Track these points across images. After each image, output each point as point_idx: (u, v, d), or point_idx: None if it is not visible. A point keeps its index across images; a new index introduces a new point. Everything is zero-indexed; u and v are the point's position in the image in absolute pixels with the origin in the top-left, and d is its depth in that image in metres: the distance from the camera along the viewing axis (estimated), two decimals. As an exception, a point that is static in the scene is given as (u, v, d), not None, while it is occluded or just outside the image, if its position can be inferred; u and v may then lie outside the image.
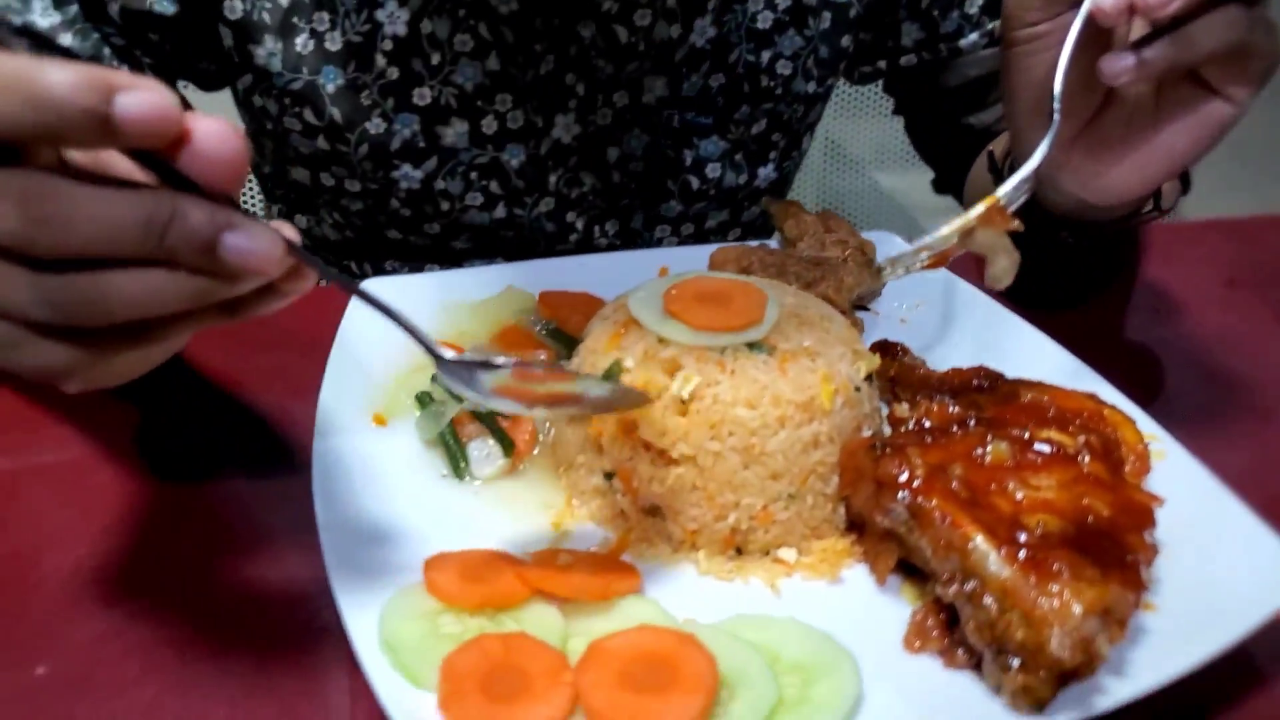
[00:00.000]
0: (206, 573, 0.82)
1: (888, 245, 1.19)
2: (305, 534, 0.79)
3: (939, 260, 0.95)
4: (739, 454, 0.80)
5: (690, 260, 1.13)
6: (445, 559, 0.78)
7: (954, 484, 0.78)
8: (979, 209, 0.92)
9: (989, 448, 0.82)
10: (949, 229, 0.93)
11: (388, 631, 0.73)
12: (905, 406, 0.89)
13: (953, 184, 1.39)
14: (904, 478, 0.78)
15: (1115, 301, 1.30)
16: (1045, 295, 1.15)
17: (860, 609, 0.78)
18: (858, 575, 0.82)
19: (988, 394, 0.91)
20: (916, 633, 0.75)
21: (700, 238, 1.35)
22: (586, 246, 1.28)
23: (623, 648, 0.72)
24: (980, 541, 0.74)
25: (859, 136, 2.60)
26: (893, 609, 0.78)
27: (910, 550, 0.81)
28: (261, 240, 0.51)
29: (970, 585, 0.73)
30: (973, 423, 0.84)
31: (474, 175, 1.14)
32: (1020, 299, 1.10)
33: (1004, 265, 0.92)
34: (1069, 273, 1.22)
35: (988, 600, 0.72)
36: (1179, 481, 0.88)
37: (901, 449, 0.80)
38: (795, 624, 0.77)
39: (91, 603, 0.83)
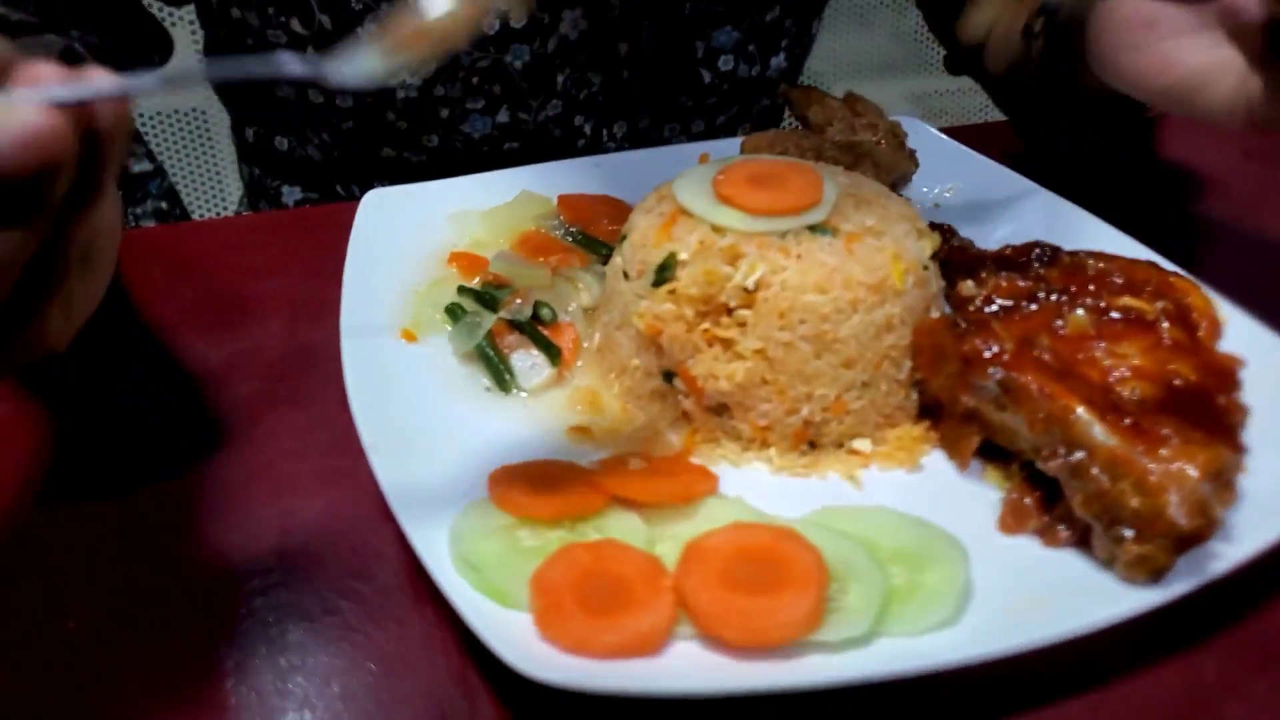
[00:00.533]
0: (250, 515, 0.75)
1: (914, 130, 1.14)
2: (343, 460, 0.73)
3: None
4: (810, 342, 0.76)
5: (713, 153, 1.08)
6: (510, 472, 0.73)
7: (1044, 356, 0.74)
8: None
9: (1068, 319, 0.78)
10: None
11: (465, 550, 0.68)
12: (970, 284, 0.84)
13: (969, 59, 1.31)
14: (992, 353, 0.74)
15: (1137, 180, 1.26)
16: (1076, 172, 1.11)
17: (945, 495, 0.75)
18: (937, 462, 0.79)
19: (1050, 267, 0.87)
20: (1013, 513, 0.72)
21: (710, 135, 1.29)
22: (594, 151, 1.22)
23: (721, 546, 0.68)
24: (1083, 412, 0.70)
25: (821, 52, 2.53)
26: (979, 493, 0.76)
27: (995, 430, 0.77)
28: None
29: (1076, 457, 0.70)
30: (1047, 295, 0.80)
31: (475, 80, 1.07)
32: (1049, 177, 1.06)
33: (986, 14, 0.85)
34: (1097, 145, 1.18)
35: (1095, 471, 0.69)
36: (1246, 345, 0.86)
37: (986, 324, 0.76)
38: (888, 512, 0.74)
39: (147, 549, 0.75)
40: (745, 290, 0.76)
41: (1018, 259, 0.89)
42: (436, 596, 0.66)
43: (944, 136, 1.15)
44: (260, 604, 0.70)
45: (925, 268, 0.81)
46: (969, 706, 0.65)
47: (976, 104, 3.10)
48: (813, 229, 0.79)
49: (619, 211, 1.04)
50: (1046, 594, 0.66)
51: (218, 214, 2.84)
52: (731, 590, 0.65)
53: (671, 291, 0.77)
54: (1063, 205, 1.03)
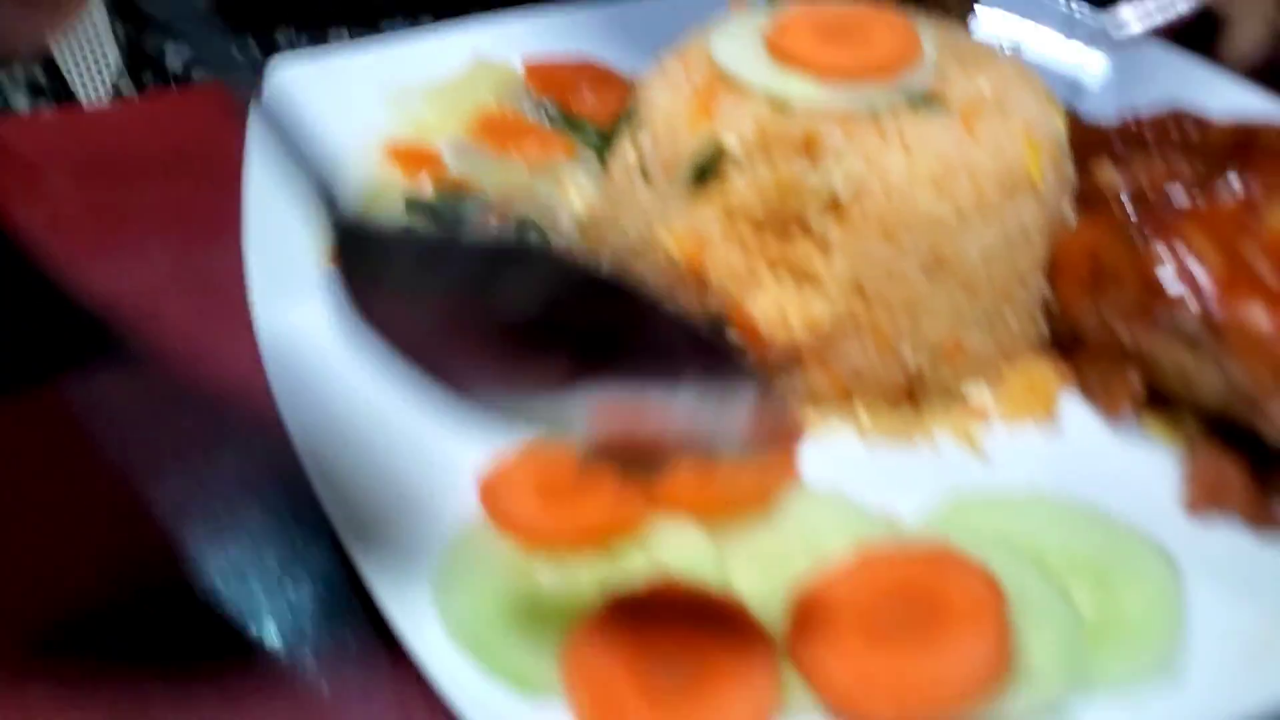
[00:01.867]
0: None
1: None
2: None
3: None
4: (920, 263, 0.53)
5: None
6: (509, 473, 0.51)
7: (1263, 275, 0.53)
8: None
9: (1269, 216, 0.57)
10: None
11: (461, 614, 0.46)
12: (1111, 169, 0.62)
13: None
14: (1195, 277, 0.52)
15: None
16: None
17: (1101, 459, 0.58)
18: (1074, 408, 0.61)
19: (1201, 145, 0.65)
20: (1207, 486, 0.51)
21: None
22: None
23: (852, 591, 0.46)
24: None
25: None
26: (1146, 453, 0.58)
27: (1163, 373, 0.57)
28: None
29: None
30: (1233, 183, 0.58)
31: None
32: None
33: (1254, 30, 0.63)
34: None
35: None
36: None
37: (1176, 230, 0.54)
38: (1049, 503, 0.53)
39: None
40: (831, 196, 0.52)
41: (1156, 134, 0.67)
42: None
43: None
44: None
45: (1062, 153, 0.58)
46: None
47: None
48: (914, 101, 0.55)
49: (606, 82, 0.80)
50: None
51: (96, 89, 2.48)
52: (874, 649, 0.44)
53: (719, 199, 0.54)
54: (1175, 59, 0.80)
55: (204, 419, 0.62)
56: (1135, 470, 0.57)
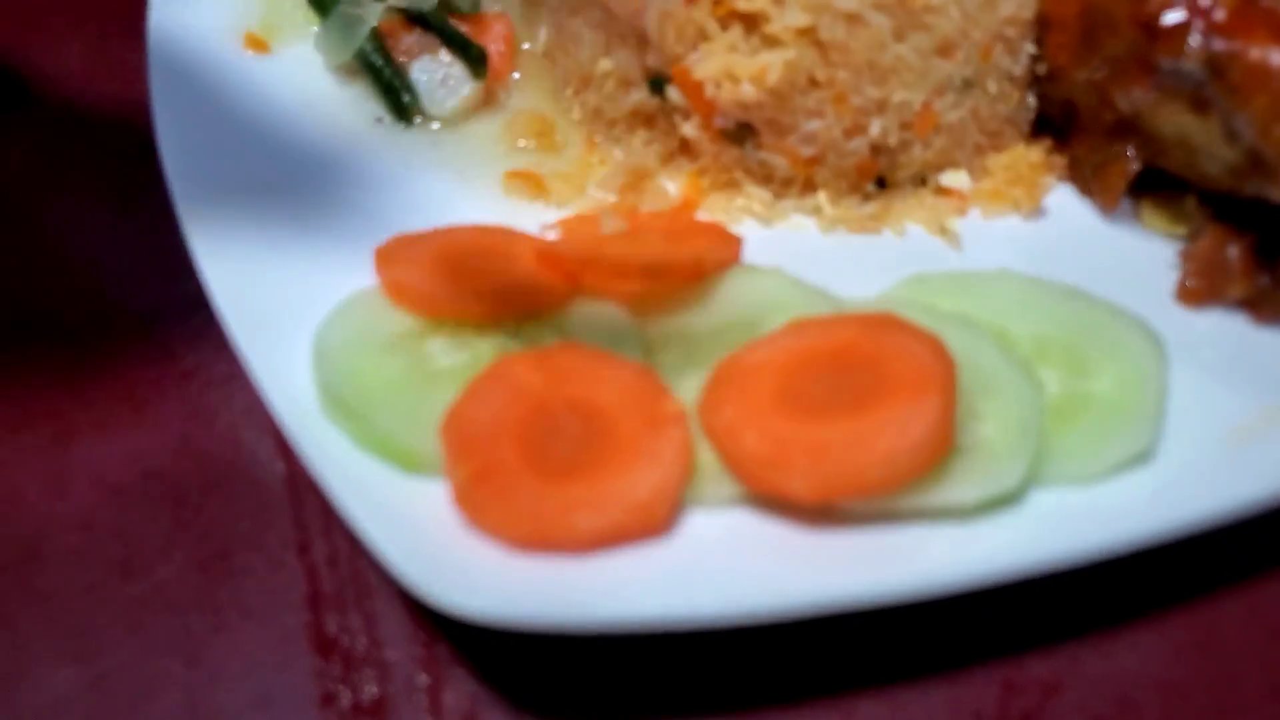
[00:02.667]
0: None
1: None
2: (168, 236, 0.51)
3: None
4: (887, 13, 0.49)
5: None
6: (409, 245, 0.47)
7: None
8: None
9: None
10: None
11: (338, 376, 0.42)
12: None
13: None
14: (1198, 10, 0.45)
15: None
16: None
17: (1087, 252, 0.53)
18: (1065, 202, 0.56)
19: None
20: (1203, 272, 0.47)
21: None
22: None
23: (775, 359, 0.41)
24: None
25: None
26: (1139, 246, 0.53)
27: (1165, 148, 0.52)
28: None
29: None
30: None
31: None
32: None
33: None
34: None
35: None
36: None
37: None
38: (1020, 278, 0.47)
39: None
40: (783, -71, 0.46)
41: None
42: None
43: None
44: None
45: (1060, -112, 0.50)
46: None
47: None
48: None
49: None
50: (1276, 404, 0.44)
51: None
52: (796, 418, 0.39)
53: (659, -61, 0.48)
54: None
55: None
56: (1126, 261, 0.52)
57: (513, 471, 0.38)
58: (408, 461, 0.40)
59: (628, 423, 0.40)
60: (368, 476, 0.40)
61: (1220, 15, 0.45)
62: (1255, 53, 0.44)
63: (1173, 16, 0.46)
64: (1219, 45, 0.45)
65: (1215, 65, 0.46)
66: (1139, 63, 0.48)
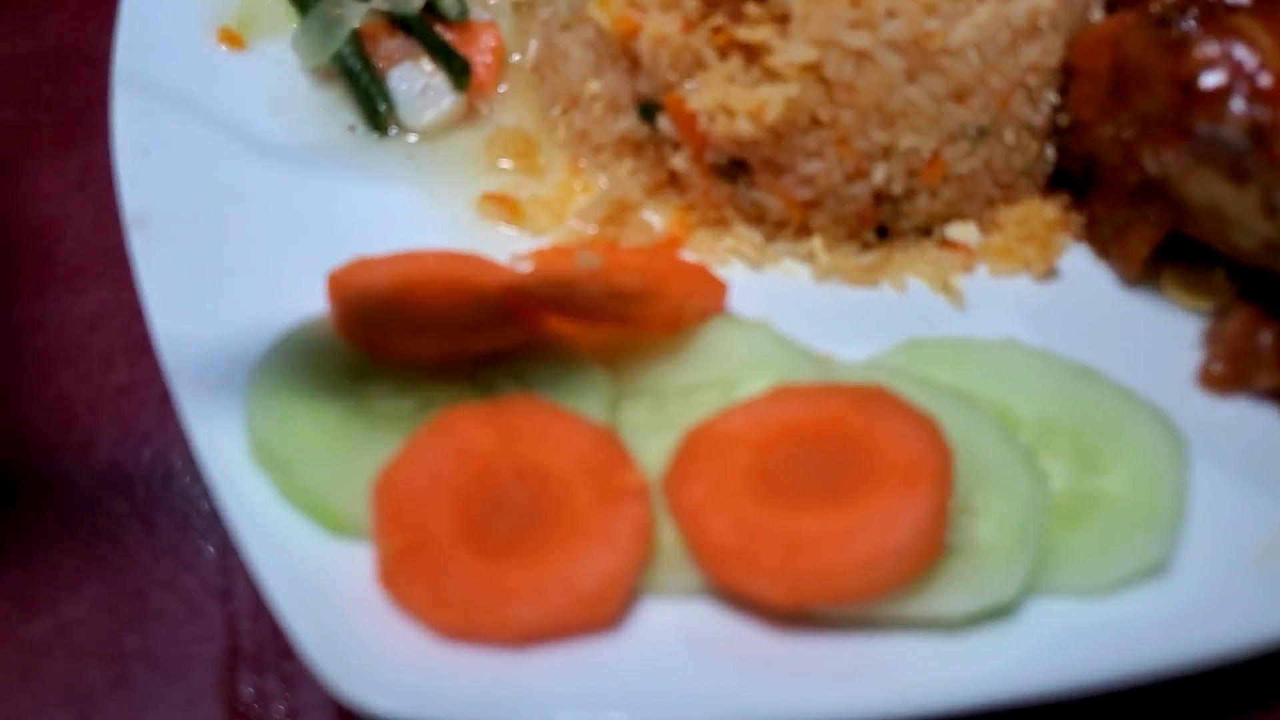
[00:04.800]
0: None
1: None
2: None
3: None
4: (901, 54, 0.47)
5: None
6: (366, 270, 0.44)
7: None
8: None
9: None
10: None
11: (268, 423, 0.38)
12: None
13: None
14: (1242, 74, 0.41)
15: None
16: None
17: (1102, 321, 0.49)
18: (1079, 265, 0.52)
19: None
20: (1230, 356, 0.43)
21: None
22: None
23: (750, 430, 0.37)
24: None
25: None
26: (1158, 319, 0.49)
27: (1194, 216, 0.48)
28: None
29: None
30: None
31: None
32: None
33: None
34: None
35: None
36: None
37: (1224, 24, 0.42)
38: (1028, 352, 0.44)
39: None
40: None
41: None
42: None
43: None
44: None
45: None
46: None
47: None
48: None
49: None
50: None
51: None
52: (770, 503, 0.35)
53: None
54: None
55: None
56: (1144, 336, 0.49)
57: (446, 547, 0.35)
58: (333, 522, 0.37)
59: (582, 494, 0.36)
60: (289, 536, 0.37)
61: (1266, 81, 0.42)
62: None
63: (1214, 79, 0.42)
64: (1263, 114, 0.41)
65: (1259, 134, 0.42)
66: (1173, 124, 0.45)
